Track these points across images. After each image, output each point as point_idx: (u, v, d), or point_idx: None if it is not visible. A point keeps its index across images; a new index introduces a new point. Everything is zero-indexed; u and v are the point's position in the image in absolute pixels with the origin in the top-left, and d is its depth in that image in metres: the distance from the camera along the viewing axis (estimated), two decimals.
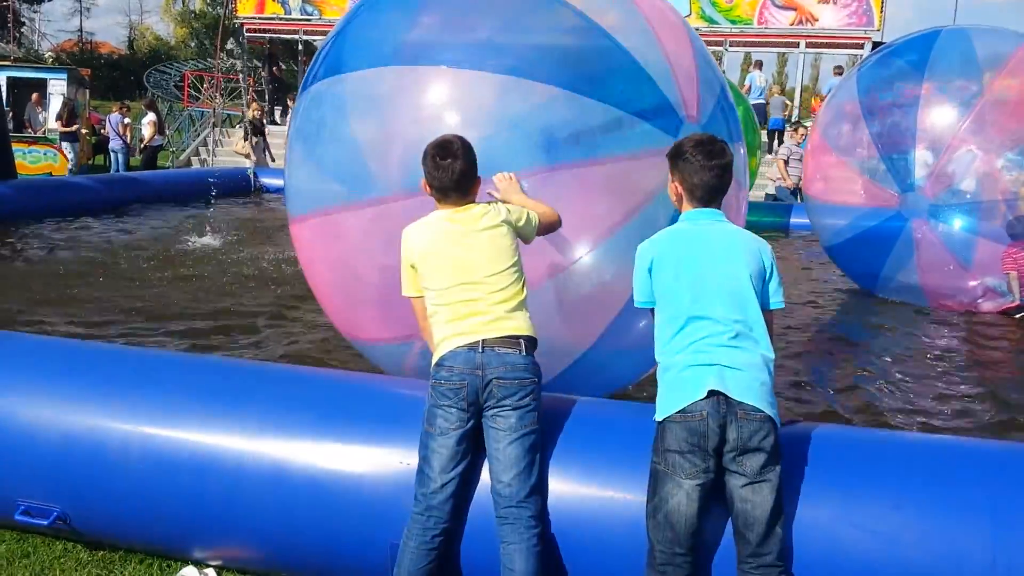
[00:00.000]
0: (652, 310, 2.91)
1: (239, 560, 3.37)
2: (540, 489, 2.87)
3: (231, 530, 3.25)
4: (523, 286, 3.07)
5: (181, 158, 21.95)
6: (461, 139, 3.11)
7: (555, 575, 2.88)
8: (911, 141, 7.81)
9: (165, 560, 3.44)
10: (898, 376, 6.22)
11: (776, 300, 2.84)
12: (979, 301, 8.06)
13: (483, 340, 2.90)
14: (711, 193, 2.88)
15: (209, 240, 10.60)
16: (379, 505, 3.05)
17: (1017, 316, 7.87)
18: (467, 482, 2.93)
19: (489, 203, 3.18)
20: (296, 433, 3.20)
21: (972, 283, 7.97)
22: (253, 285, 8.21)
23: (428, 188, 3.14)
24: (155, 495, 3.27)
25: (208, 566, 3.39)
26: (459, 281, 2.99)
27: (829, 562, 2.67)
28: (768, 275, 2.82)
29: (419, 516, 2.88)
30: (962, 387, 6.05)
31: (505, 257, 3.04)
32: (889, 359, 6.71)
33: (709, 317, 2.69)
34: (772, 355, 2.73)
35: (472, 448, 2.93)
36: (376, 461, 3.09)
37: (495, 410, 2.87)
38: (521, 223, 3.19)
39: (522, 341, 2.93)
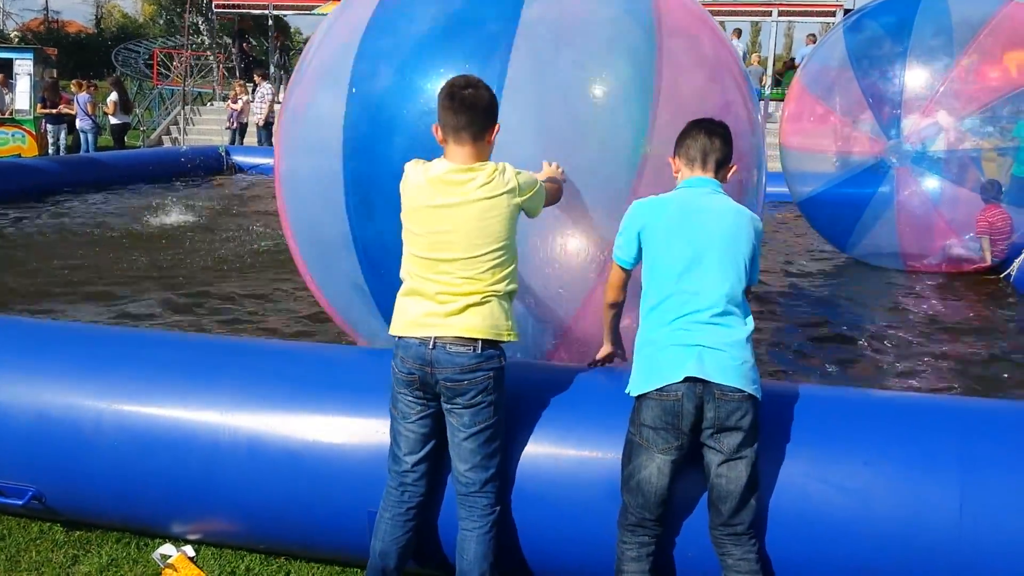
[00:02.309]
0: (624, 270, 2.93)
1: (218, 534, 3.37)
2: (498, 476, 2.85)
3: (209, 505, 3.25)
4: (506, 273, 2.81)
5: (152, 137, 21.69)
6: (481, 79, 2.85)
7: (533, 533, 2.94)
8: (898, 97, 8.00)
9: (143, 538, 3.44)
10: (870, 336, 6.30)
11: (755, 276, 2.84)
12: (953, 257, 8.16)
13: (435, 337, 2.74)
14: (704, 157, 2.88)
15: (178, 219, 10.51)
16: (356, 474, 3.06)
17: (1001, 276, 7.97)
18: (439, 458, 2.92)
19: (498, 164, 2.83)
20: (271, 406, 3.20)
21: (950, 240, 8.08)
22: (224, 262, 8.16)
23: (439, 131, 2.84)
24: (131, 471, 3.26)
25: (186, 542, 3.39)
26: (432, 255, 2.78)
27: (801, 518, 2.71)
28: (755, 252, 2.82)
29: (394, 490, 2.89)
30: (934, 347, 6.13)
31: (490, 237, 2.76)
32: (862, 320, 6.78)
33: (696, 291, 2.68)
34: (752, 328, 2.74)
35: (440, 427, 2.88)
36: (352, 431, 3.09)
37: (448, 406, 2.80)
38: (529, 194, 2.87)
39: (479, 342, 2.75)
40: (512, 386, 2.96)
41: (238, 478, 3.17)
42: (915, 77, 7.93)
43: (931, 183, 7.98)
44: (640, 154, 3.46)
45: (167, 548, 3.34)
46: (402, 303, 2.88)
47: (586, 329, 3.70)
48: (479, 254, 2.76)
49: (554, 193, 3.17)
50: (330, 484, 3.07)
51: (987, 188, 7.87)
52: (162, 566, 3.25)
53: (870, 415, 2.93)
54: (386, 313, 3.10)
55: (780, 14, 21.31)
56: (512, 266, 2.85)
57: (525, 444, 2.96)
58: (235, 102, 17.92)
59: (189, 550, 3.34)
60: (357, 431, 3.09)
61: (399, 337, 2.84)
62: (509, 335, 2.82)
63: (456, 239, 2.76)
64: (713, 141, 2.90)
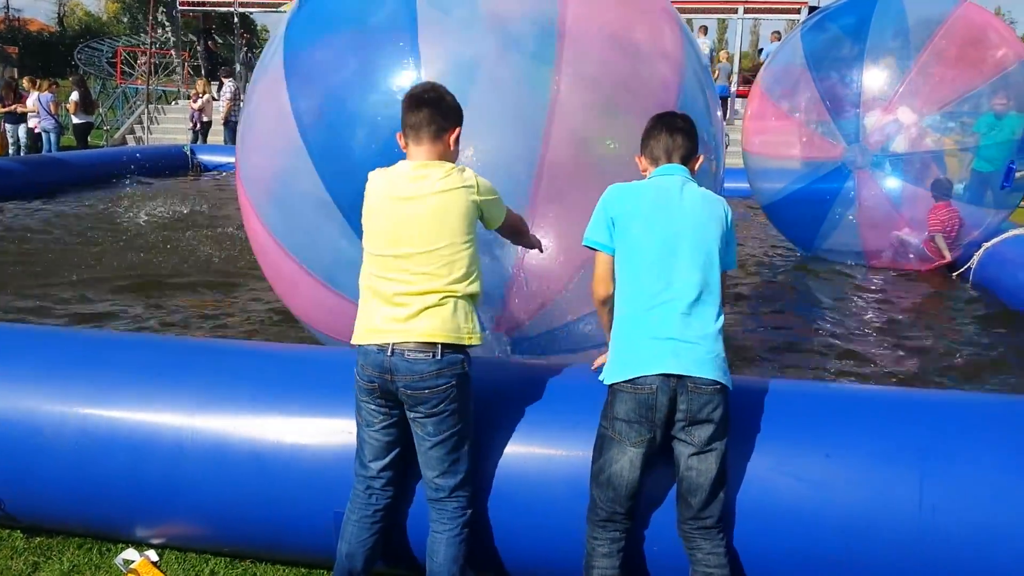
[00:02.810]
0: (609, 255, 2.89)
1: (182, 538, 3.34)
2: (468, 481, 2.83)
3: (173, 508, 3.21)
4: (465, 273, 2.76)
5: (116, 136, 21.41)
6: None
7: (508, 532, 2.94)
8: (856, 99, 8.09)
9: (105, 544, 3.39)
10: (830, 331, 6.37)
11: (730, 261, 2.88)
12: (911, 258, 8.28)
13: (393, 344, 2.69)
14: (668, 154, 2.92)
15: (140, 219, 10.37)
16: (322, 475, 3.04)
17: (960, 272, 8.09)
18: (406, 463, 2.90)
19: (458, 166, 2.84)
20: (236, 407, 3.17)
21: (897, 233, 8.19)
22: (187, 263, 8.07)
23: (402, 138, 2.88)
24: (93, 476, 3.22)
25: (149, 547, 3.35)
26: (389, 251, 2.75)
27: (765, 511, 2.74)
28: (728, 237, 2.85)
29: (361, 493, 2.87)
30: (893, 341, 6.21)
31: (447, 231, 2.73)
32: (823, 315, 6.85)
33: (670, 281, 2.71)
34: (723, 319, 2.76)
35: (406, 433, 2.84)
36: (317, 430, 3.08)
37: (412, 415, 2.76)
38: (489, 198, 2.88)
39: (438, 347, 2.70)
40: (483, 384, 2.95)
41: (202, 481, 3.13)
42: (873, 79, 8.02)
43: (891, 183, 8.09)
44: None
45: (130, 553, 3.30)
46: (361, 311, 2.84)
47: (518, 311, 3.79)
48: (435, 248, 2.73)
49: (517, 222, 3.17)
50: (296, 485, 3.05)
51: (938, 186, 7.99)
52: (125, 571, 3.21)
53: (831, 408, 2.97)
54: (355, 225, 3.26)
55: (746, 11, 21.51)
56: (473, 267, 2.80)
57: (497, 443, 2.95)
58: (195, 101, 17.68)
59: (152, 555, 3.30)
60: (322, 431, 3.07)
61: (359, 345, 2.80)
62: (471, 338, 2.77)
63: (413, 233, 2.74)
64: (675, 139, 2.93)
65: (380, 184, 2.84)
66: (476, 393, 2.88)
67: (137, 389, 3.28)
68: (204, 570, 3.27)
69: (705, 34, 20.99)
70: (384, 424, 2.81)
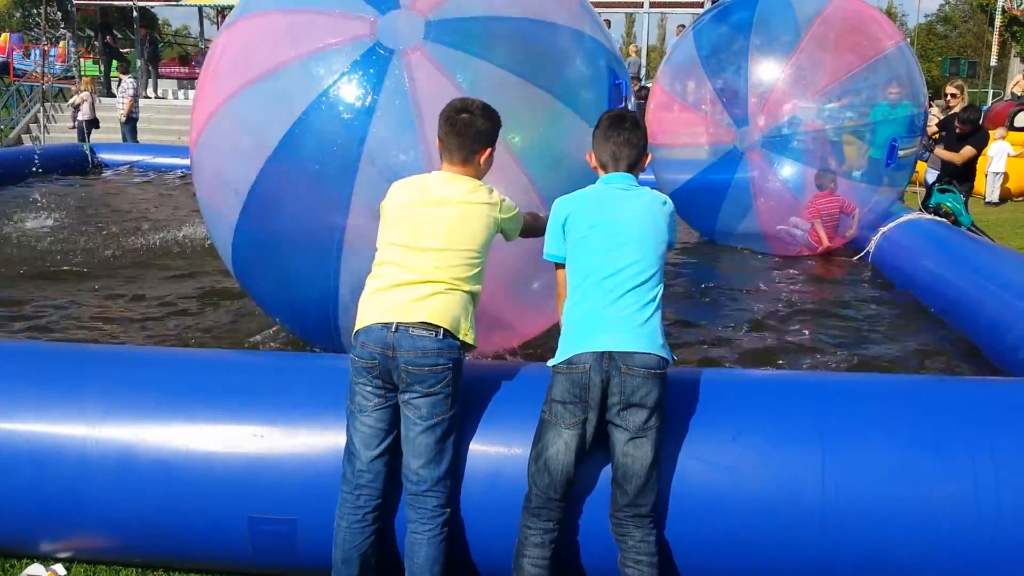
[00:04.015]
0: (556, 266, 3.04)
1: (90, 551, 3.24)
2: (450, 475, 2.84)
3: (79, 520, 3.12)
4: (474, 275, 2.94)
5: (11, 136, 20.53)
6: (485, 104, 3.10)
7: (483, 534, 2.95)
8: (745, 86, 8.41)
9: (8, 560, 3.27)
10: (730, 317, 6.49)
11: (672, 238, 3.00)
12: (800, 244, 8.58)
13: (398, 322, 2.79)
14: (615, 161, 3.04)
15: (35, 221, 9.93)
16: (234, 481, 2.99)
17: (860, 255, 8.40)
18: (396, 457, 2.88)
19: (486, 185, 3.08)
20: (142, 415, 3.09)
21: (783, 227, 8.49)
22: (89, 268, 7.79)
23: (439, 143, 3.09)
24: None
25: (56, 561, 3.24)
26: (410, 242, 2.91)
27: (675, 493, 2.81)
28: (669, 224, 2.96)
29: (349, 495, 2.84)
30: (792, 325, 6.35)
31: (466, 237, 2.94)
32: (722, 302, 6.99)
33: (612, 272, 2.80)
34: (660, 304, 2.85)
35: (398, 424, 2.86)
36: (228, 436, 3.02)
37: (407, 395, 2.79)
38: (509, 215, 3.11)
39: (441, 329, 2.80)
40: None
41: (109, 491, 3.05)
42: (760, 67, 8.36)
43: (787, 170, 8.40)
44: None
45: (35, 568, 3.19)
46: (363, 302, 2.92)
47: None
48: (453, 248, 2.91)
49: (531, 223, 3.32)
50: (206, 492, 3.00)
51: (818, 177, 8.30)
52: None
53: (736, 393, 3.07)
54: None
55: (651, 5, 21.86)
56: (479, 274, 2.98)
57: (471, 443, 2.95)
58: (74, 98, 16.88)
59: (60, 569, 3.20)
60: (233, 436, 3.02)
61: (360, 328, 2.85)
62: (466, 335, 2.87)
63: (438, 229, 2.92)
64: (621, 149, 3.03)
65: (409, 190, 3.04)
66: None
67: (37, 399, 3.17)
68: None
69: (608, 28, 21.34)
70: (378, 408, 2.83)
